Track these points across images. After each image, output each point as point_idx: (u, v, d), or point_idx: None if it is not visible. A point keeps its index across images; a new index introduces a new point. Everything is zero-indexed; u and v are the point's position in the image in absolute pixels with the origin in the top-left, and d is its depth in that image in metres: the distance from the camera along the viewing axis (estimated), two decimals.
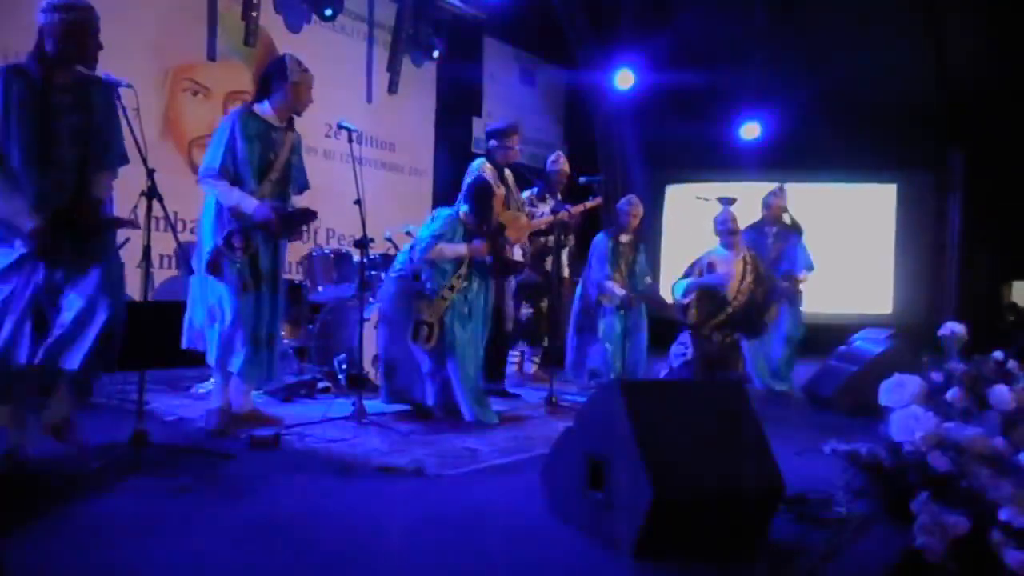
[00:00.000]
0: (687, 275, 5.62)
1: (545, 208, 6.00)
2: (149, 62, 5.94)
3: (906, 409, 2.70)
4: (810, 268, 6.36)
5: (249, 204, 3.84)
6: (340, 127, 4.70)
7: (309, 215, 4.03)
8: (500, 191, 4.88)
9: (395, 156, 8.16)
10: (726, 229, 5.64)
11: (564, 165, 6.21)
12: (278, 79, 4.00)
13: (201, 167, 3.96)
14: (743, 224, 5.90)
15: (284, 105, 4.02)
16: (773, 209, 6.50)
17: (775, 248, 6.42)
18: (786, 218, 6.54)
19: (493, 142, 5.53)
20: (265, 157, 3.98)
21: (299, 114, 4.11)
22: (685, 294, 5.33)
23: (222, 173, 3.85)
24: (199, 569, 2.30)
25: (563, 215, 5.72)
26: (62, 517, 2.64)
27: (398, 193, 7.95)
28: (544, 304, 6.21)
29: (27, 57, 3.13)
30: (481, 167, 5.42)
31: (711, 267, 5.37)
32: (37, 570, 2.22)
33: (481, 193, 4.68)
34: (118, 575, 2.23)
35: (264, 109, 4.03)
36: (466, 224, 4.64)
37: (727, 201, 5.77)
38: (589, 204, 6.08)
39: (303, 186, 4.28)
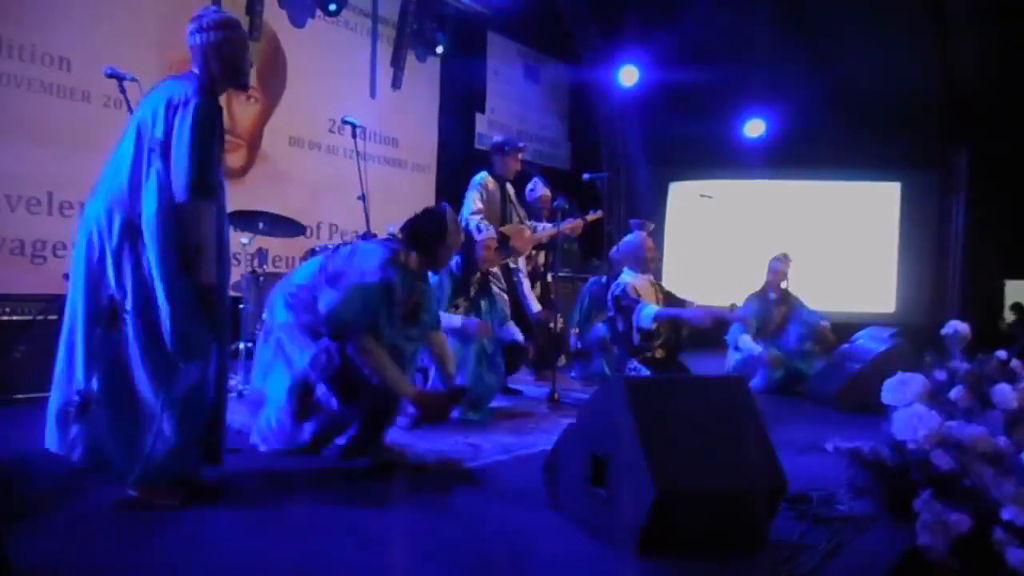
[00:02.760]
0: (635, 303, 5.19)
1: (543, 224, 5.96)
2: (153, 55, 5.93)
3: (909, 407, 2.69)
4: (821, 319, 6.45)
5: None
6: (344, 122, 4.71)
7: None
8: (490, 238, 4.80)
9: (398, 151, 8.17)
10: (649, 256, 5.43)
11: (543, 191, 6.12)
12: (437, 239, 3.63)
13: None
14: None
15: (430, 262, 3.71)
16: (778, 275, 6.48)
17: (779, 312, 6.42)
18: (784, 284, 6.51)
19: (495, 157, 5.56)
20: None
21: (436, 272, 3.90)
22: (655, 319, 5.23)
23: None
24: (200, 561, 2.30)
25: (566, 229, 5.73)
26: (66, 512, 2.65)
27: (401, 188, 7.95)
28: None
29: (196, 78, 2.85)
30: (483, 182, 5.44)
31: (637, 293, 5.29)
32: (40, 565, 2.22)
33: (465, 247, 4.59)
34: (122, 568, 2.24)
35: (411, 261, 3.62)
36: (453, 276, 4.61)
37: (640, 224, 5.79)
38: (590, 218, 6.02)
39: None
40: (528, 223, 5.77)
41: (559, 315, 6.05)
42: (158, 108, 2.74)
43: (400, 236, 3.66)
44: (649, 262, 5.42)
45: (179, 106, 2.72)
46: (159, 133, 2.70)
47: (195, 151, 2.67)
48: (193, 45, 2.89)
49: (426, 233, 3.62)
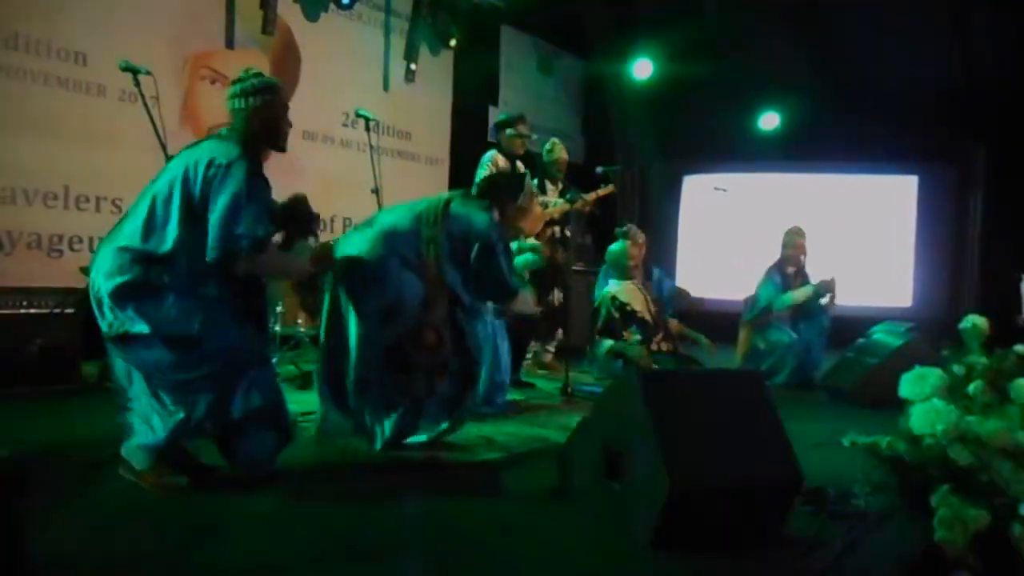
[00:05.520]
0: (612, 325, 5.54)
1: (551, 199, 5.93)
2: (168, 50, 5.96)
3: (927, 402, 2.67)
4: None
5: None
6: (358, 115, 4.71)
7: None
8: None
9: (412, 145, 8.16)
10: (632, 264, 5.71)
11: (561, 153, 6.03)
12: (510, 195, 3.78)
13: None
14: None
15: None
16: (798, 248, 6.37)
17: (795, 288, 6.31)
18: (803, 260, 6.41)
19: (500, 133, 5.54)
20: None
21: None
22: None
23: None
24: (211, 553, 2.31)
25: (578, 204, 5.71)
26: (79, 504, 2.67)
27: (415, 182, 7.93)
28: (554, 297, 6.09)
29: (238, 140, 2.90)
30: (492, 159, 5.42)
31: (626, 308, 5.52)
32: (57, 557, 2.23)
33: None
34: (135, 560, 2.25)
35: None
36: None
37: (624, 232, 5.89)
38: (601, 192, 6.01)
39: None
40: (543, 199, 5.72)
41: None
42: (199, 165, 2.76)
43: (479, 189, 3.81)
44: (632, 269, 5.68)
45: (221, 167, 2.74)
46: (195, 191, 2.72)
47: (232, 211, 2.69)
48: (234, 109, 2.94)
49: (503, 187, 3.80)
